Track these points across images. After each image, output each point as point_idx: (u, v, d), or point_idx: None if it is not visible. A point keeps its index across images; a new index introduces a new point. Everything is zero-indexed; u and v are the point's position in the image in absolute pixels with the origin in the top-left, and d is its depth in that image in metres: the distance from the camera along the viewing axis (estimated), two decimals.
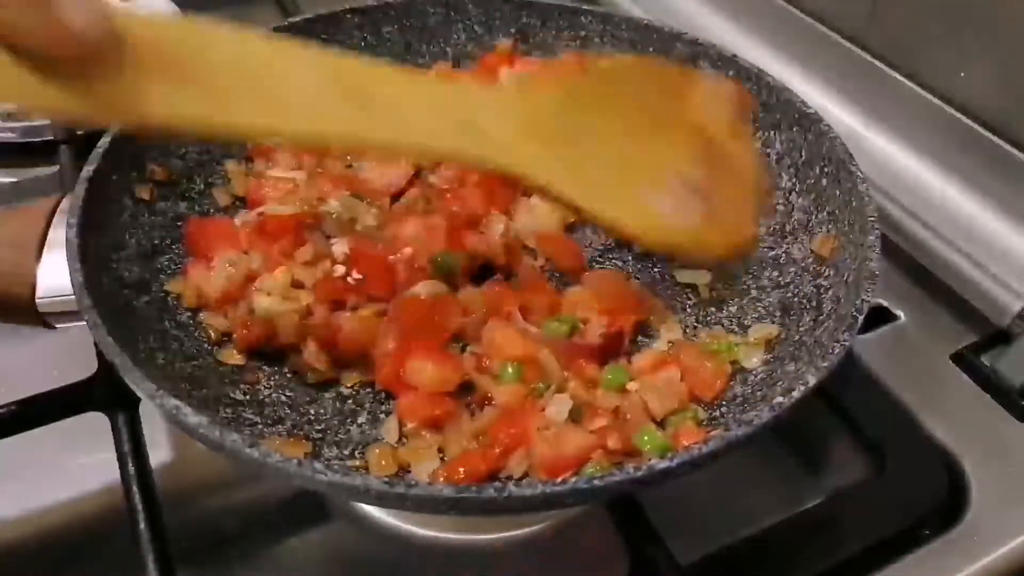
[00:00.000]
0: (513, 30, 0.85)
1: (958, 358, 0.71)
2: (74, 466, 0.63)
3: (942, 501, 0.60)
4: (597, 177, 0.52)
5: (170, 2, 1.06)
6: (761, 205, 0.62)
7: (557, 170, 0.50)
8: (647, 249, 0.70)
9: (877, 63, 0.82)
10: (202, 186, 0.71)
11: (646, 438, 0.53)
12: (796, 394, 0.47)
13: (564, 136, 0.51)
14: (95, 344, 0.63)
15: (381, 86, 0.46)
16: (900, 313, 0.75)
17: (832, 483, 0.63)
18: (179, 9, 1.06)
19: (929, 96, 0.78)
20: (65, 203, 0.61)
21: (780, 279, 0.67)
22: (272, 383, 0.61)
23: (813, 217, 0.68)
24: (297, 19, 0.79)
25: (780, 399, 0.47)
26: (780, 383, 0.56)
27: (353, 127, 0.44)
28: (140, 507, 0.58)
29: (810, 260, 0.66)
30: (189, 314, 0.63)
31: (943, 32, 0.76)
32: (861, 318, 0.52)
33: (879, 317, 0.74)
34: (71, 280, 0.52)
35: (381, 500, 0.43)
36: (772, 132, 0.73)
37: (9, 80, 0.36)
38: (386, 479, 0.43)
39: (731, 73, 0.76)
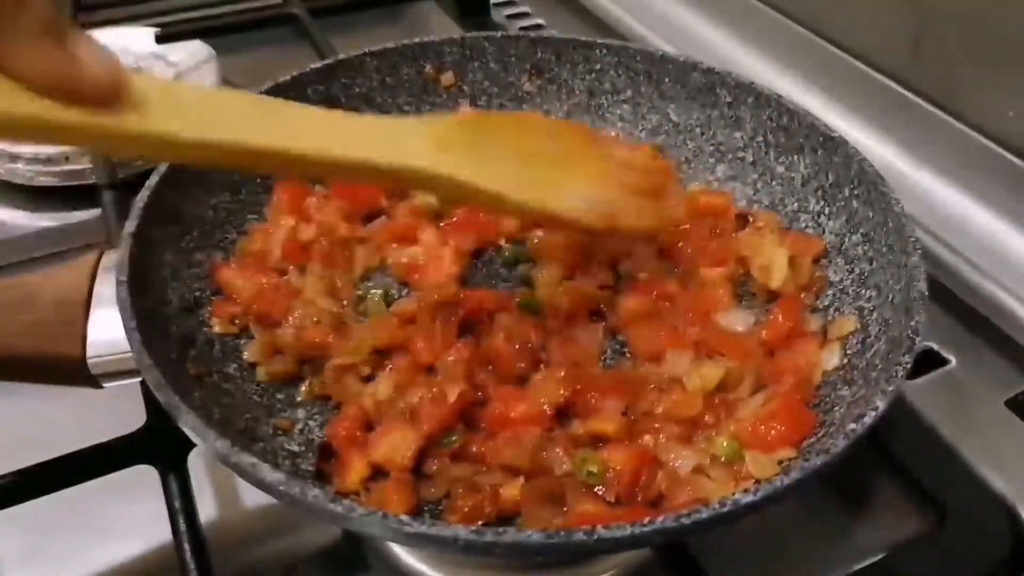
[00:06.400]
0: (528, 66, 0.86)
1: (1014, 404, 0.70)
2: (119, 519, 0.63)
3: (1005, 555, 0.59)
4: (522, 175, 0.58)
5: (207, 46, 1.07)
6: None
7: (482, 171, 0.55)
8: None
9: (921, 102, 0.83)
10: (234, 235, 0.71)
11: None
12: (868, 420, 0.48)
13: (483, 151, 0.56)
14: (144, 398, 0.63)
15: (305, 120, 0.51)
16: (951, 357, 0.74)
17: (889, 537, 0.61)
18: (216, 53, 1.07)
19: (977, 136, 0.77)
20: (107, 259, 0.60)
21: (818, 303, 0.68)
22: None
23: (847, 239, 0.68)
24: (319, 64, 0.79)
25: (853, 426, 0.47)
26: (837, 407, 0.57)
27: (276, 138, 0.48)
28: (192, 563, 0.57)
29: (848, 282, 0.67)
30: (236, 366, 0.63)
31: (990, 70, 0.76)
32: (919, 339, 0.53)
33: (929, 361, 0.73)
34: (128, 340, 0.52)
35: (469, 550, 0.42)
36: (795, 156, 0.74)
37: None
38: (474, 528, 0.43)
39: (750, 100, 0.77)
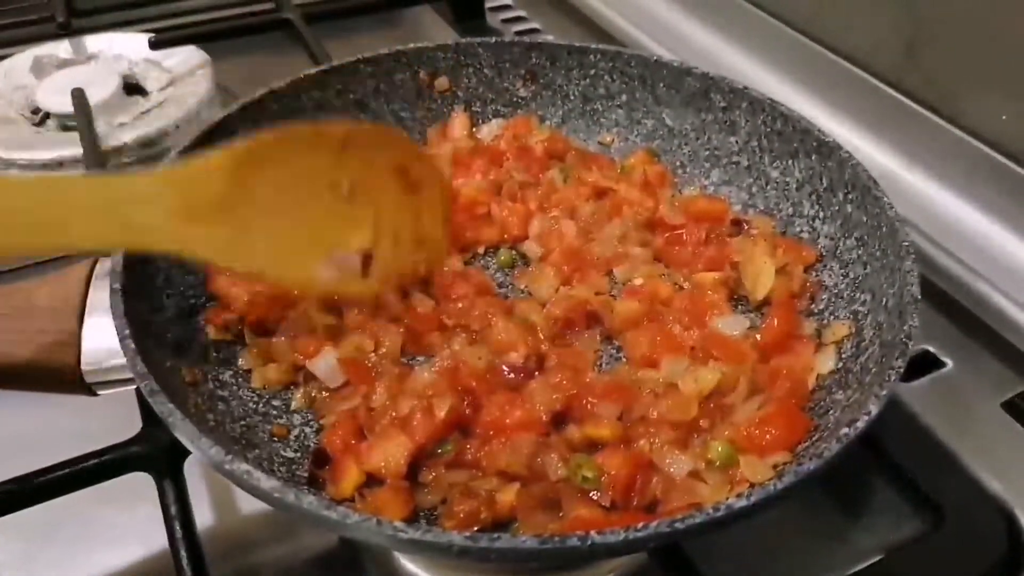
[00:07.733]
0: (523, 71, 0.87)
1: (1009, 406, 0.70)
2: (115, 526, 0.63)
3: (1002, 555, 0.59)
4: (283, 241, 0.56)
5: (201, 52, 1.07)
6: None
7: (218, 245, 0.53)
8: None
9: (915, 106, 0.83)
10: None
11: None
12: (861, 424, 0.48)
13: (238, 207, 0.53)
14: (139, 405, 0.63)
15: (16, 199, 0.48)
16: (947, 360, 0.74)
17: (886, 539, 0.61)
18: (210, 59, 1.06)
19: (970, 139, 0.78)
20: (101, 267, 0.60)
21: (813, 307, 0.68)
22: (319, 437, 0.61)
23: (841, 243, 0.69)
24: (312, 71, 0.79)
25: (846, 430, 0.47)
26: (832, 411, 0.57)
27: None
28: (188, 570, 0.57)
29: (843, 287, 0.67)
30: (231, 372, 0.63)
31: (983, 74, 0.76)
32: (911, 343, 0.53)
33: (926, 364, 0.73)
34: (122, 348, 0.52)
35: (464, 556, 0.42)
36: (790, 161, 0.74)
37: None
38: (469, 535, 0.43)
39: (744, 104, 0.77)
